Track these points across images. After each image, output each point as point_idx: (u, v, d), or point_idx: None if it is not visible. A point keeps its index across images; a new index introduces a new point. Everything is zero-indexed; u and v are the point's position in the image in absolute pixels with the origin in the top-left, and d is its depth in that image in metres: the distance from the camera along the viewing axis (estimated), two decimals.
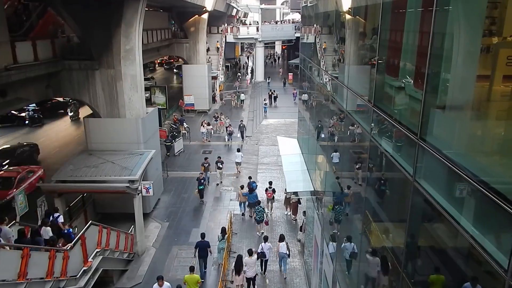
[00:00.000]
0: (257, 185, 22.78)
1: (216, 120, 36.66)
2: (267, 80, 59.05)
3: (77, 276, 12.97)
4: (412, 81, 6.49)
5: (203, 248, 16.49)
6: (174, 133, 33.48)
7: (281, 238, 16.80)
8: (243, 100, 48.25)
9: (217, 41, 51.26)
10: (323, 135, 15.81)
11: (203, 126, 33.74)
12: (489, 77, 4.45)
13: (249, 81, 63.05)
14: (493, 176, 4.25)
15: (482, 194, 4.06)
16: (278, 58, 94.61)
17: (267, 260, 16.94)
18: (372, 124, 8.21)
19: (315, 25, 19.53)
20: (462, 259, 4.95)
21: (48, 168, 24.14)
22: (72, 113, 38.98)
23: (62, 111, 41.23)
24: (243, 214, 21.82)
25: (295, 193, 20.84)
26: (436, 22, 5.25)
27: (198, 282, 14.56)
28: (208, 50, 47.37)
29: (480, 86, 4.65)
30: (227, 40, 53.69)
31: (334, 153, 12.85)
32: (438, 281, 6.08)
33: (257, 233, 19.93)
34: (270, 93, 48.79)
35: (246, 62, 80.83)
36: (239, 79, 61.69)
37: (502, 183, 4.00)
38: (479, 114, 4.83)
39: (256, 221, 20.13)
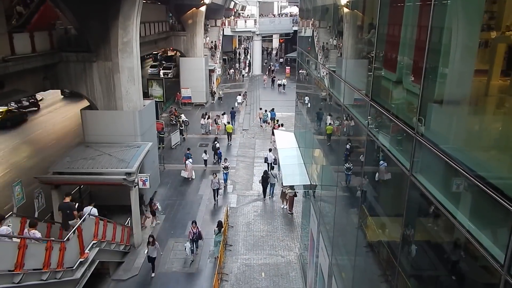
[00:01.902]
0: (275, 113, 35.70)
1: (217, 123, 34.38)
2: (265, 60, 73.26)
3: (74, 268, 13.01)
4: (410, 76, 6.48)
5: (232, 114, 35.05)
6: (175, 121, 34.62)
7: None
8: (243, 75, 61.09)
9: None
10: (319, 128, 15.78)
11: (203, 118, 33.60)
12: (487, 72, 4.44)
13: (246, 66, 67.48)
14: (490, 171, 4.25)
15: (479, 189, 4.07)
16: (277, 54, 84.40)
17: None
18: (369, 118, 8.20)
19: (313, 19, 19.45)
20: (458, 254, 4.97)
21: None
22: None
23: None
24: (260, 126, 36.30)
25: (292, 187, 20.89)
26: (434, 16, 5.24)
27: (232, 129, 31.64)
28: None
29: (478, 81, 4.64)
30: (225, 33, 53.44)
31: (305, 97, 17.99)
32: (329, 129, 12.41)
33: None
34: (269, 67, 62.39)
35: (245, 52, 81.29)
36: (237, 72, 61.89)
37: (499, 178, 4.01)
38: (477, 109, 4.83)
39: (262, 121, 35.95)
